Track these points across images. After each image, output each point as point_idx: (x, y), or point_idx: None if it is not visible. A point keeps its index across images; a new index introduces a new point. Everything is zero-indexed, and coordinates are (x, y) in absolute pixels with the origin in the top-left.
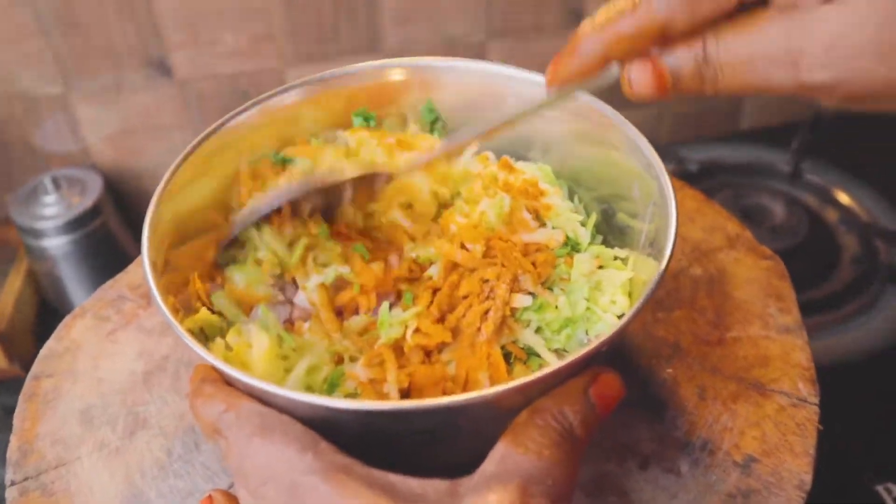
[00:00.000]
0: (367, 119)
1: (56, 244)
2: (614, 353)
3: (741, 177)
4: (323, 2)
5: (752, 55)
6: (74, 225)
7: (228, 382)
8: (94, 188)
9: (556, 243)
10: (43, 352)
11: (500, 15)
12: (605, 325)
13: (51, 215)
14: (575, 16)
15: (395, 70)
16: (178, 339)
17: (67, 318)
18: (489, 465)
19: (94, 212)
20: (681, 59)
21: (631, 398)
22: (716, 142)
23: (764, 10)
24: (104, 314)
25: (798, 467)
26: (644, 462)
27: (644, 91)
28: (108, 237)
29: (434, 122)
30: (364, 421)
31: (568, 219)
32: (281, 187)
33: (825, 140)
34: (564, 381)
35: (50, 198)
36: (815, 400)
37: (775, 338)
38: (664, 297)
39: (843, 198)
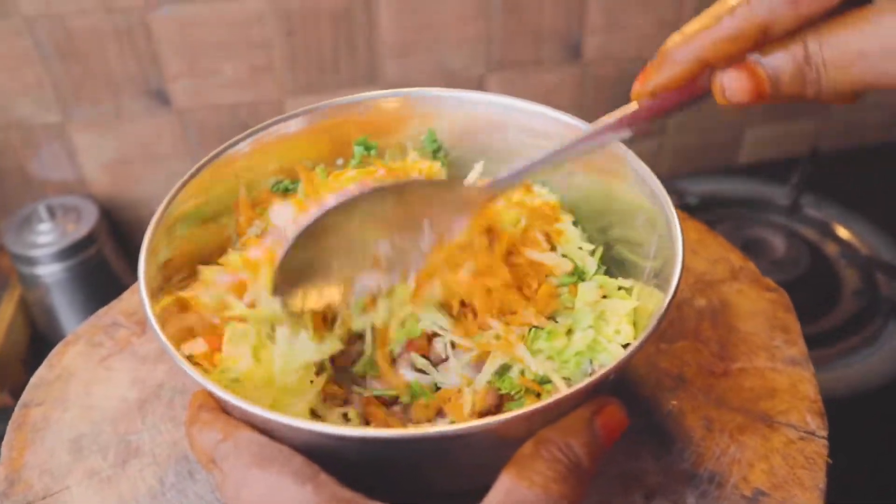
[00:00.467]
0: (367, 148)
1: (49, 272)
2: (618, 384)
3: (741, 210)
4: (323, 34)
5: (863, 49)
6: (68, 253)
7: (226, 410)
8: (90, 216)
9: (562, 271)
10: (33, 380)
11: (499, 49)
12: (609, 356)
13: (45, 243)
14: (573, 51)
15: (396, 100)
16: (174, 366)
17: (59, 346)
18: (494, 497)
19: (88, 240)
20: (780, 60)
21: (635, 428)
22: (714, 176)
23: (871, 6)
24: (97, 340)
25: (808, 501)
26: (650, 494)
27: (741, 97)
28: (103, 266)
29: (436, 152)
30: (365, 448)
31: (577, 247)
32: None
33: (824, 175)
34: (569, 411)
35: (44, 225)
36: (824, 433)
37: (782, 370)
38: (667, 328)
39: (843, 232)
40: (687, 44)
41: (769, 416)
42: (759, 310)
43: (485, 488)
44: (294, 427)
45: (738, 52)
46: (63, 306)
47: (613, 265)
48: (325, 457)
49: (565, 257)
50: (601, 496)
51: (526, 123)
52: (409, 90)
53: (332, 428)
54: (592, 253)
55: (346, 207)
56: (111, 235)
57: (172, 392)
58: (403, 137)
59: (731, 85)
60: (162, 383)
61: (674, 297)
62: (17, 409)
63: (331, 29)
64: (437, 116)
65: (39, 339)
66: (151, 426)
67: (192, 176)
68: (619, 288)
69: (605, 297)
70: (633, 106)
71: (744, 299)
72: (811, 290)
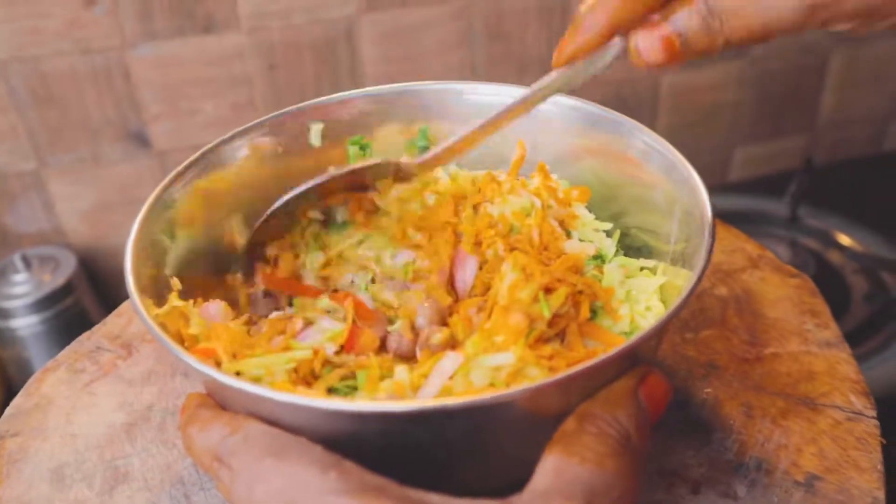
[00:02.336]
0: (362, 148)
1: (25, 324)
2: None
3: (739, 224)
4: (305, 67)
5: None
6: (45, 303)
7: (227, 406)
8: (68, 266)
9: (587, 256)
10: (9, 410)
11: (483, 76)
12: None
13: (20, 294)
14: None
15: (383, 98)
16: (164, 387)
17: (38, 373)
18: (541, 479)
19: (65, 290)
20: (684, 18)
21: (670, 421)
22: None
23: None
24: (79, 366)
25: (867, 483)
26: (695, 487)
27: (654, 58)
28: (82, 316)
29: (426, 150)
30: (389, 427)
31: (594, 230)
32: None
33: (818, 186)
34: (611, 378)
35: (20, 276)
36: (873, 413)
37: (817, 352)
38: (690, 318)
39: (845, 239)
40: (596, 10)
41: (811, 398)
42: (784, 296)
43: (519, 485)
44: (315, 408)
45: (642, 15)
46: (41, 361)
47: (631, 253)
48: (345, 442)
49: (586, 242)
50: (643, 495)
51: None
52: (397, 85)
53: (353, 405)
54: (609, 234)
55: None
56: (90, 285)
57: (163, 414)
58: (394, 136)
59: (644, 46)
60: (151, 405)
61: (710, 253)
62: None
63: (313, 61)
64: (429, 112)
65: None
66: (142, 449)
67: (187, 167)
68: (642, 269)
69: (628, 277)
70: (553, 74)
71: (767, 286)
72: None
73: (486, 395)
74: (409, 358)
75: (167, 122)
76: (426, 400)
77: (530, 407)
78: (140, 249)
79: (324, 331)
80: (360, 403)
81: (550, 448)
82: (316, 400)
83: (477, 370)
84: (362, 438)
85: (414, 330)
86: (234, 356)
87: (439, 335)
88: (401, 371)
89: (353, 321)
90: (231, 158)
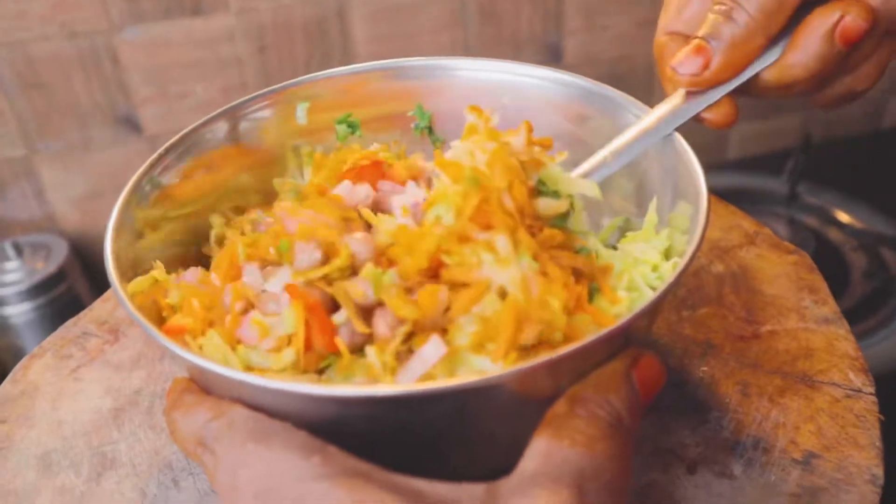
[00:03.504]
0: (350, 126)
1: (18, 311)
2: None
3: (738, 202)
4: (296, 47)
5: None
6: (38, 290)
7: (212, 391)
8: (60, 253)
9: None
10: None
11: (477, 56)
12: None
13: (12, 281)
14: (553, 54)
15: (379, 72)
16: (152, 371)
17: (24, 360)
18: (530, 462)
19: (58, 277)
20: None
21: (666, 400)
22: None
23: None
24: (66, 352)
25: (866, 460)
26: (692, 467)
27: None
28: (75, 303)
29: (430, 130)
30: (375, 412)
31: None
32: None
33: (816, 164)
34: (602, 359)
35: (11, 264)
36: (871, 389)
37: (815, 329)
38: (687, 296)
39: (844, 216)
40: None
41: (809, 375)
42: (781, 272)
43: (509, 471)
44: (298, 393)
45: None
46: (34, 347)
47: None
48: (331, 431)
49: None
50: (639, 475)
51: (521, 89)
52: (392, 61)
53: (342, 389)
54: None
55: None
56: (83, 272)
57: (151, 398)
58: (388, 113)
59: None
60: (139, 389)
61: (705, 228)
62: None
63: (304, 42)
64: (426, 88)
65: None
66: (129, 434)
67: (174, 146)
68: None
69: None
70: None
71: (764, 263)
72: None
73: (474, 378)
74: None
75: (157, 106)
76: (412, 384)
77: (519, 390)
78: (120, 235)
79: (277, 338)
80: (345, 388)
81: (540, 431)
82: (299, 385)
83: (462, 366)
84: (347, 423)
85: (363, 315)
86: (210, 325)
87: (402, 329)
88: (371, 353)
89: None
90: (213, 140)
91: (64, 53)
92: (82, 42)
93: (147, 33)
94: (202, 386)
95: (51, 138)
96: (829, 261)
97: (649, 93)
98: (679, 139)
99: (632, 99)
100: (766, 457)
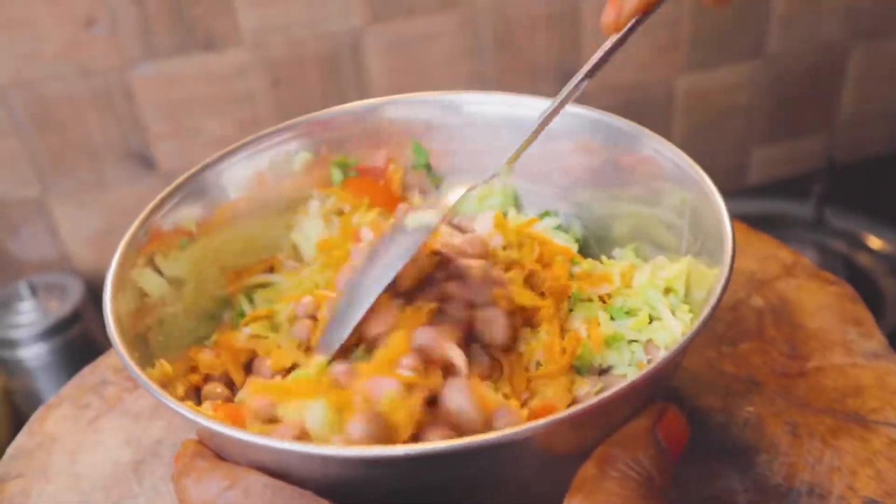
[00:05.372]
0: (344, 168)
1: (33, 354)
2: (676, 393)
3: (762, 229)
4: (310, 82)
5: None
6: (52, 332)
7: (226, 457)
8: (75, 293)
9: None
10: (10, 450)
11: (493, 86)
12: (669, 335)
13: (27, 323)
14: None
15: (373, 110)
16: (173, 419)
17: (40, 410)
18: None
19: (73, 318)
20: None
21: (711, 444)
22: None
23: None
24: (84, 402)
25: None
26: None
27: None
28: (91, 344)
29: (427, 168)
30: (395, 471)
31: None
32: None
33: (841, 187)
34: (629, 411)
35: (26, 304)
36: None
37: (864, 364)
38: (725, 331)
39: (874, 241)
40: None
41: (861, 415)
42: (823, 304)
43: None
44: (312, 454)
45: None
46: (50, 392)
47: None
48: (353, 492)
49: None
50: None
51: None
52: (386, 98)
53: (361, 451)
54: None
55: None
56: (98, 312)
57: (173, 448)
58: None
59: None
60: (160, 440)
61: (732, 259)
62: None
63: (318, 76)
64: (423, 126)
65: None
66: (150, 488)
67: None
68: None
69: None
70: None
71: (805, 294)
72: None
73: (491, 435)
74: None
75: (171, 142)
76: (430, 442)
77: (542, 445)
78: (120, 293)
79: None
80: (363, 449)
81: (572, 495)
82: (318, 448)
83: None
84: (368, 483)
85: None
86: None
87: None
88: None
89: None
90: (216, 185)
91: (77, 91)
92: (95, 79)
93: (160, 69)
94: (214, 450)
95: (64, 176)
96: (860, 287)
97: (667, 121)
98: (697, 169)
99: (643, 128)
100: None
